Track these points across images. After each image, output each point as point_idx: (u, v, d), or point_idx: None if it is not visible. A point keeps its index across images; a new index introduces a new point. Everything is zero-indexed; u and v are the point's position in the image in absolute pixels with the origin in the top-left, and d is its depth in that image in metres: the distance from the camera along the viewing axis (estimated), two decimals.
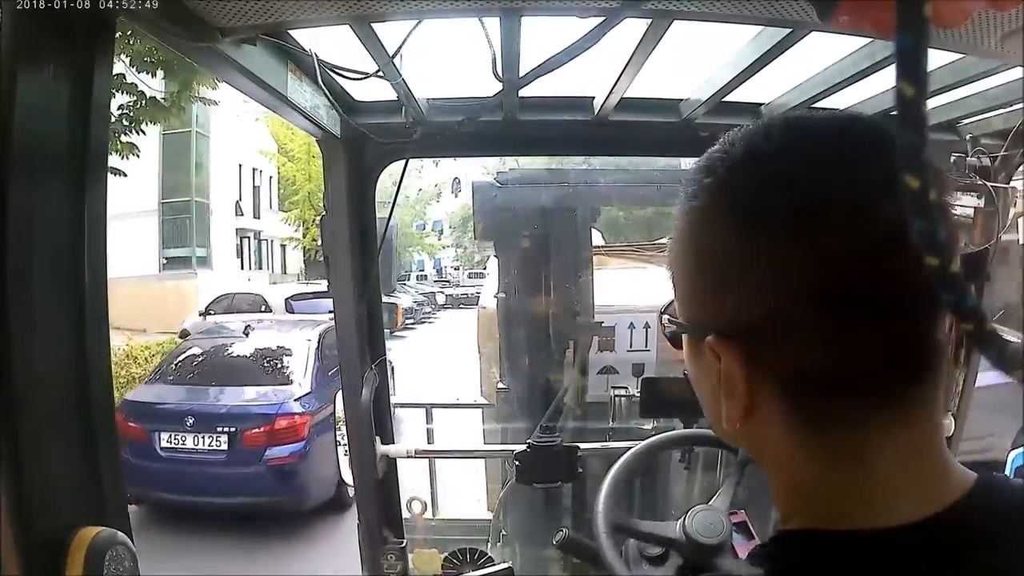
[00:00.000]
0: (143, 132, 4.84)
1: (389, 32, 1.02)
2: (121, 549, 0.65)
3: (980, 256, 1.49)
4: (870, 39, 1.05)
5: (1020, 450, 1.78)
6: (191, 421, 4.49)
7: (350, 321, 1.57)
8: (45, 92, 0.63)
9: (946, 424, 1.57)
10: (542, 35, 1.07)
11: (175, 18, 0.77)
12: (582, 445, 1.87)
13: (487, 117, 1.43)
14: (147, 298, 11.92)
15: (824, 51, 1.14)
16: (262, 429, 4.49)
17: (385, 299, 1.71)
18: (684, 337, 0.44)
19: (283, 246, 20.84)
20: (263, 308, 10.77)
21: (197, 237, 16.63)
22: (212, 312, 10.95)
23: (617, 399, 2.34)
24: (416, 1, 0.87)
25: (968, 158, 1.44)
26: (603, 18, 0.73)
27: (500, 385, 2.47)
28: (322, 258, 1.59)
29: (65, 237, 0.66)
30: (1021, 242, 1.54)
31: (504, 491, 2.36)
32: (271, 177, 19.62)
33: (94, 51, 0.68)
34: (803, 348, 0.37)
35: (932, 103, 1.31)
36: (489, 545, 2.39)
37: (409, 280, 21.68)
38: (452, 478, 3.09)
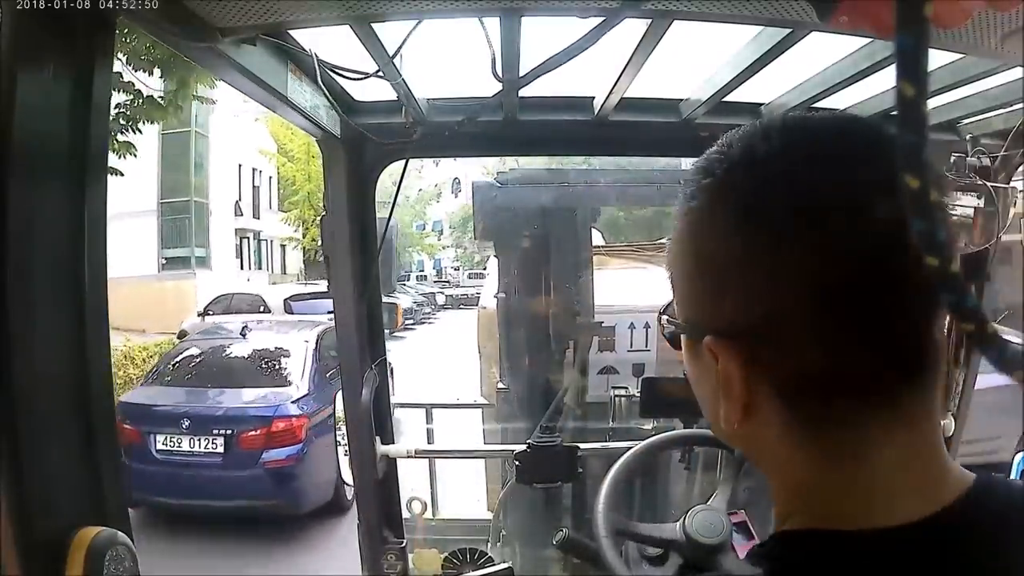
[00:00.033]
0: (139, 131, 4.81)
1: (389, 32, 1.02)
2: (121, 549, 0.65)
3: (980, 256, 1.49)
4: (870, 39, 1.05)
5: None
6: (187, 423, 4.43)
7: (350, 321, 1.57)
8: (45, 92, 0.63)
9: (946, 424, 1.57)
10: (542, 35, 1.07)
11: (175, 18, 0.77)
12: (582, 445, 1.87)
13: (487, 117, 1.43)
14: (146, 298, 11.91)
15: (824, 51, 1.14)
16: (259, 432, 4.44)
17: (385, 299, 1.71)
18: (683, 338, 0.44)
19: (283, 246, 20.84)
20: (262, 309, 10.75)
21: (196, 237, 16.62)
22: (211, 313, 10.94)
23: (617, 399, 2.34)
24: (416, 1, 0.87)
25: (968, 158, 1.44)
26: (603, 18, 0.73)
27: (500, 385, 2.47)
28: (322, 258, 1.59)
29: (65, 237, 0.66)
30: None
31: (504, 491, 2.36)
32: (271, 177, 19.62)
33: (94, 51, 0.68)
34: (801, 349, 0.37)
35: (932, 103, 1.31)
36: (489, 545, 2.39)
37: (409, 280, 21.68)
38: (452, 478, 3.09)
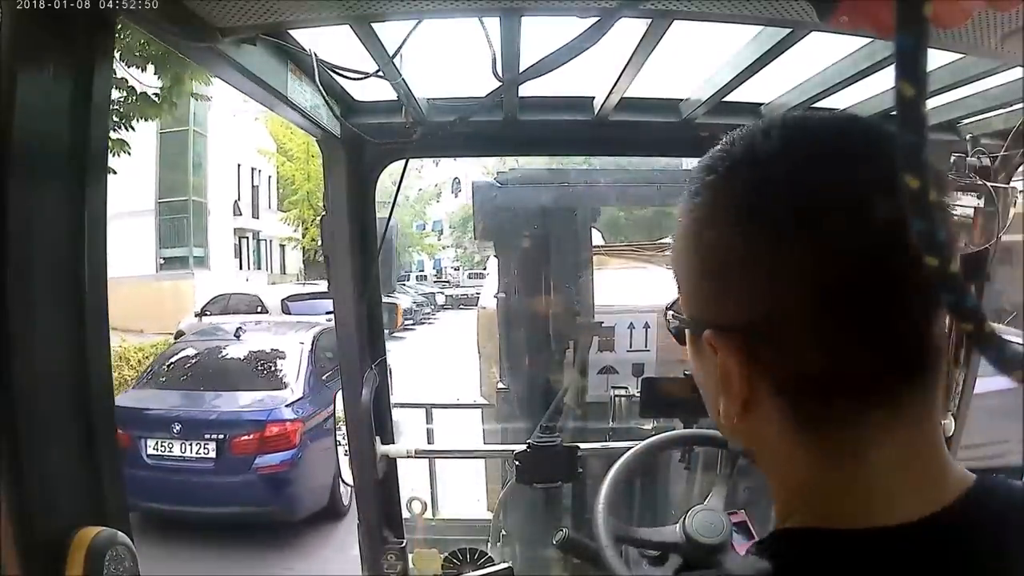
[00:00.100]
0: (132, 128, 4.79)
1: (389, 32, 1.02)
2: (121, 549, 0.65)
3: (980, 256, 1.49)
4: (870, 39, 1.05)
5: None
6: (178, 428, 4.36)
7: (350, 321, 1.57)
8: (45, 92, 0.63)
9: (946, 425, 1.57)
10: (542, 35, 1.07)
11: (175, 18, 0.77)
12: (582, 445, 1.87)
13: (487, 117, 1.43)
14: (144, 298, 11.91)
15: (824, 51, 1.14)
16: (252, 436, 4.36)
17: (385, 299, 1.71)
18: (687, 333, 0.44)
19: (282, 246, 20.84)
20: (259, 309, 10.73)
21: (194, 237, 16.63)
22: (208, 313, 10.93)
23: (617, 399, 2.34)
24: (416, 1, 0.87)
25: (968, 158, 1.44)
26: (603, 18, 0.73)
27: (500, 385, 2.47)
28: (322, 258, 1.59)
29: (65, 237, 0.66)
30: None
31: (504, 491, 2.36)
32: (270, 177, 19.62)
33: (94, 51, 0.68)
34: (801, 348, 0.37)
35: (932, 103, 1.31)
36: (489, 545, 2.39)
37: (409, 280, 21.67)
38: (452, 478, 3.09)
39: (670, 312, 0.46)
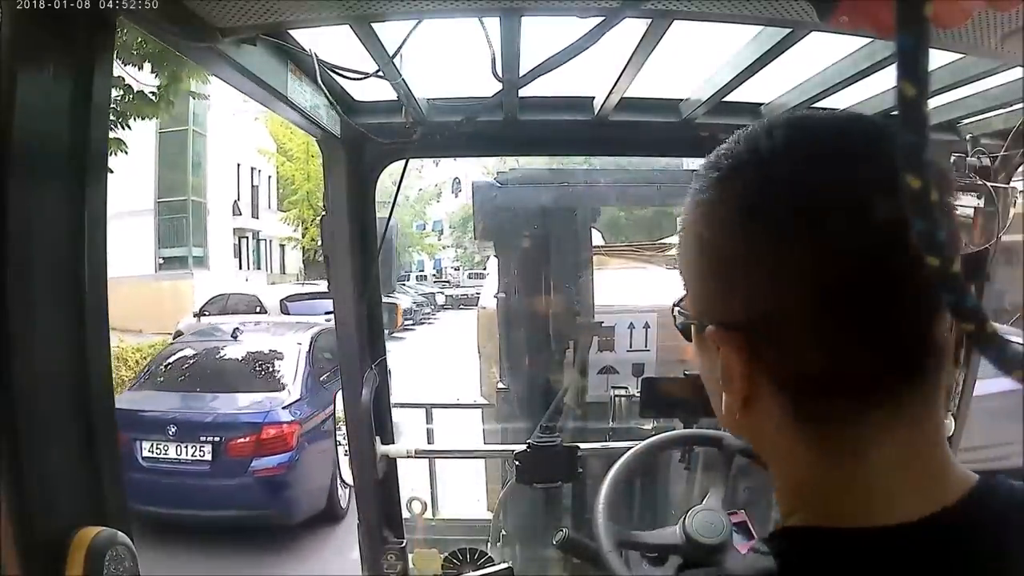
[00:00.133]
0: (129, 127, 4.77)
1: (389, 32, 1.02)
2: (121, 549, 0.65)
3: (980, 256, 1.49)
4: (870, 39, 1.05)
5: None
6: (173, 430, 4.28)
7: (350, 321, 1.57)
8: (45, 92, 0.63)
9: (946, 425, 1.57)
10: (542, 35, 1.07)
11: (175, 18, 0.77)
12: (582, 445, 1.87)
13: (487, 117, 1.43)
14: (143, 298, 11.90)
15: (824, 51, 1.14)
16: (248, 439, 4.29)
17: (385, 299, 1.71)
18: (692, 329, 0.45)
19: (282, 246, 20.84)
20: (258, 309, 10.69)
21: (194, 237, 16.63)
22: (207, 313, 10.90)
23: (617, 399, 2.34)
24: (416, 1, 0.87)
25: (968, 158, 1.44)
26: (603, 18, 0.73)
27: (500, 385, 2.47)
28: (321, 258, 1.59)
29: (65, 237, 0.66)
30: None
31: (504, 491, 2.35)
32: (270, 176, 19.62)
33: (94, 51, 0.68)
34: (801, 347, 0.38)
35: (932, 103, 1.30)
36: (489, 545, 2.39)
37: (409, 280, 21.67)
38: (452, 478, 3.09)
39: (676, 308, 0.46)
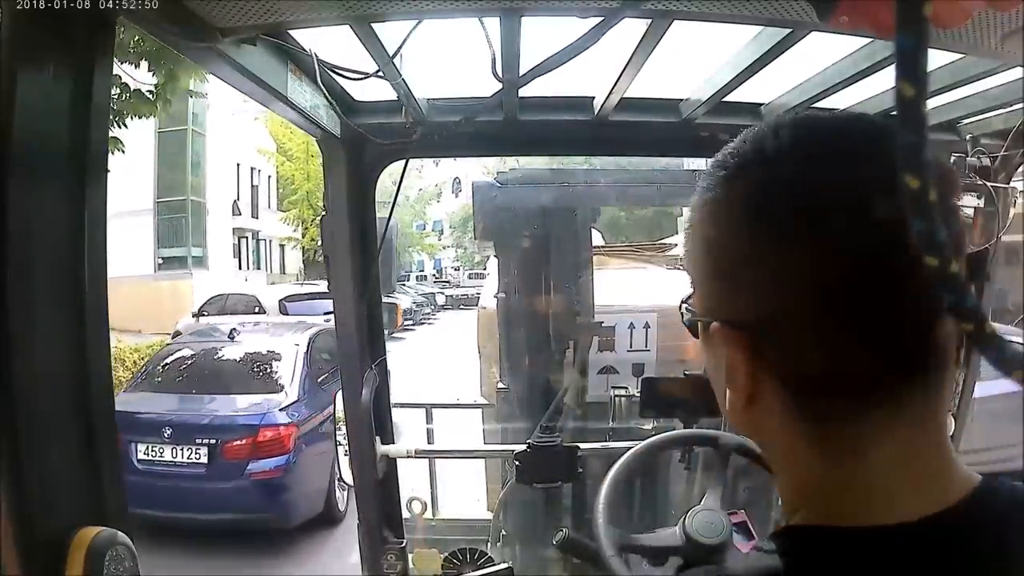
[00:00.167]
0: (125, 126, 4.75)
1: (389, 32, 1.02)
2: (121, 549, 0.65)
3: (980, 256, 1.49)
4: (870, 39, 1.05)
5: None
6: (169, 432, 4.22)
7: (350, 321, 1.57)
8: (45, 92, 0.63)
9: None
10: (542, 35, 1.07)
11: (175, 18, 0.77)
12: (582, 445, 1.87)
13: (487, 117, 1.43)
14: (142, 298, 11.89)
15: (824, 51, 1.14)
16: (244, 441, 4.23)
17: (385, 299, 1.71)
18: (699, 325, 0.45)
19: (282, 246, 20.84)
20: (257, 309, 10.64)
21: (193, 237, 16.62)
22: (205, 313, 10.85)
23: (617, 399, 2.34)
24: (416, 1, 0.87)
25: (968, 158, 1.44)
26: (603, 18, 0.73)
27: (500, 385, 2.47)
28: (321, 258, 1.59)
29: (65, 237, 0.66)
30: None
31: (504, 491, 2.35)
32: (269, 176, 19.61)
33: (94, 51, 0.68)
34: (803, 346, 0.38)
35: (932, 103, 1.31)
36: (489, 545, 2.39)
37: (409, 281, 21.66)
38: (452, 478, 3.08)
39: (684, 306, 0.47)
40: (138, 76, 4.51)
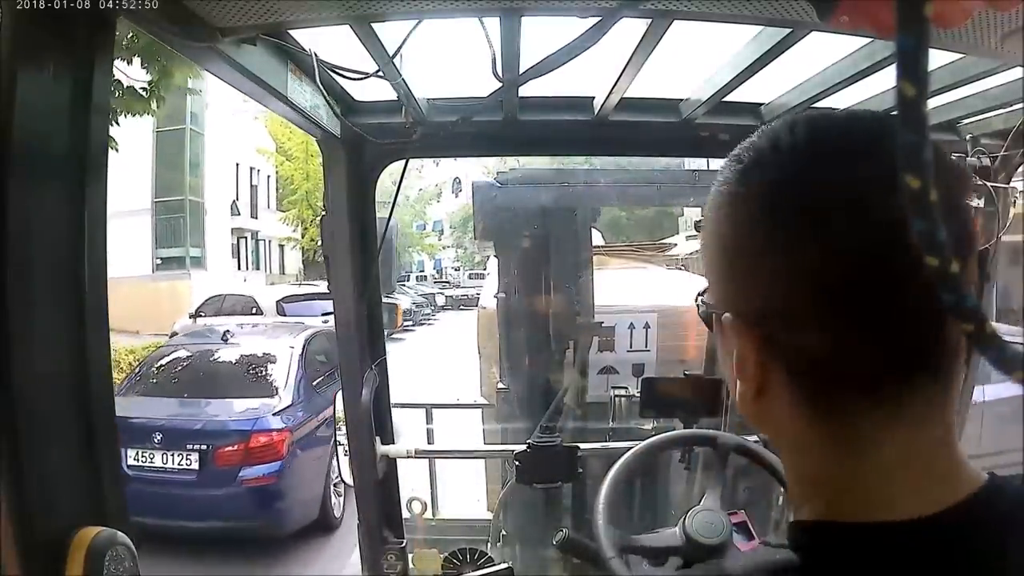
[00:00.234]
0: (118, 124, 4.72)
1: (389, 32, 1.02)
2: (121, 549, 0.65)
3: (980, 256, 1.49)
4: (870, 39, 1.05)
5: None
6: (159, 437, 4.13)
7: (350, 321, 1.57)
8: (45, 92, 0.63)
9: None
10: (542, 35, 1.07)
11: (175, 18, 0.77)
12: (582, 445, 1.87)
13: (487, 117, 1.43)
14: (140, 299, 11.86)
15: (824, 51, 1.14)
16: (236, 447, 4.13)
17: (385, 299, 1.71)
18: (713, 317, 0.45)
19: (281, 246, 20.81)
20: (254, 310, 10.54)
21: (191, 237, 16.59)
22: (202, 314, 10.75)
23: (617, 399, 2.34)
24: (416, 1, 0.87)
25: (968, 158, 1.44)
26: (603, 18, 0.73)
27: (500, 385, 2.47)
28: (321, 259, 1.59)
29: (65, 237, 0.66)
30: None
31: (504, 491, 2.35)
32: (269, 176, 19.59)
33: (94, 51, 0.68)
34: (812, 341, 0.38)
35: (932, 103, 1.30)
36: (489, 545, 2.39)
37: (409, 281, 21.64)
38: (452, 478, 3.08)
39: (699, 298, 0.47)
40: (131, 73, 4.44)
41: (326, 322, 5.78)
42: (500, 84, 1.12)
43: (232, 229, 18.18)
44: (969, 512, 0.38)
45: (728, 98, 1.33)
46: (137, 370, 5.16)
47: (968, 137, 1.47)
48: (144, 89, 4.53)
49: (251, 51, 0.96)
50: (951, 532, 0.38)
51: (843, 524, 0.39)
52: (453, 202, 23.32)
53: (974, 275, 0.42)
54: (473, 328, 3.38)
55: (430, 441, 3.31)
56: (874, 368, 0.38)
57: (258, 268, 19.63)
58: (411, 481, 2.43)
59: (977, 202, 1.42)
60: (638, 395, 1.90)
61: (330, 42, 1.13)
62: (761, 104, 1.49)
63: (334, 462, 4.30)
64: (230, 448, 4.15)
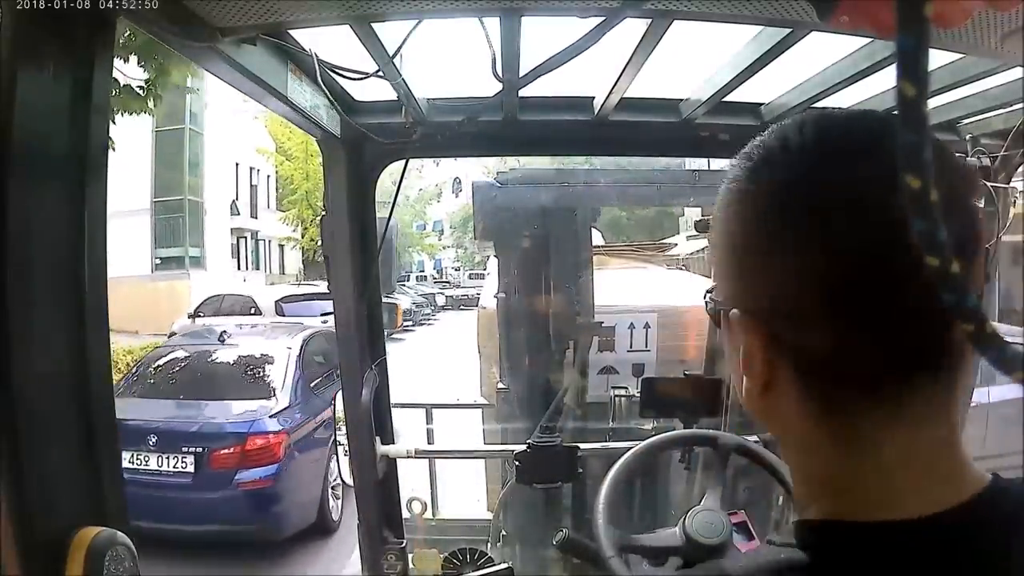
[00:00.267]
0: (113, 122, 4.71)
1: (389, 32, 1.02)
2: (121, 549, 0.65)
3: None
4: (870, 39, 1.05)
5: None
6: (154, 440, 4.07)
7: (350, 321, 1.57)
8: (45, 92, 0.63)
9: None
10: (542, 35, 1.07)
11: (175, 18, 0.77)
12: (582, 445, 1.87)
13: (487, 117, 1.43)
14: (139, 299, 11.85)
15: (824, 51, 1.14)
16: (232, 449, 4.07)
17: (385, 299, 1.71)
18: (720, 313, 0.46)
19: (281, 246, 20.80)
20: (252, 311, 10.48)
21: (191, 237, 16.58)
22: (201, 314, 10.70)
23: (617, 399, 2.34)
24: (416, 1, 0.87)
25: (968, 158, 1.44)
26: (603, 18, 0.73)
27: (500, 385, 2.47)
28: (321, 258, 1.59)
29: (65, 237, 0.66)
30: None
31: (504, 491, 2.35)
32: (268, 176, 19.58)
33: (94, 51, 0.68)
34: (816, 339, 0.38)
35: (932, 103, 1.31)
36: (489, 545, 2.39)
37: (409, 281, 21.63)
38: (452, 478, 3.08)
39: (708, 295, 0.48)
40: (128, 71, 4.39)
41: (325, 322, 5.76)
42: (500, 85, 1.12)
43: (232, 229, 18.17)
44: (973, 513, 0.38)
45: (728, 98, 1.33)
46: (134, 371, 5.11)
47: (968, 137, 1.47)
48: (141, 88, 4.48)
49: (251, 51, 0.96)
50: (955, 532, 0.38)
51: (849, 523, 0.39)
52: (453, 202, 23.32)
53: (982, 274, 0.42)
54: (473, 328, 3.38)
55: (430, 441, 3.32)
56: (874, 368, 0.38)
57: (258, 268, 19.62)
58: (411, 481, 2.43)
59: (977, 202, 1.42)
60: (638, 395, 1.90)
61: (330, 42, 1.13)
62: (761, 104, 1.49)
63: (332, 464, 4.30)
64: (226, 451, 4.10)
